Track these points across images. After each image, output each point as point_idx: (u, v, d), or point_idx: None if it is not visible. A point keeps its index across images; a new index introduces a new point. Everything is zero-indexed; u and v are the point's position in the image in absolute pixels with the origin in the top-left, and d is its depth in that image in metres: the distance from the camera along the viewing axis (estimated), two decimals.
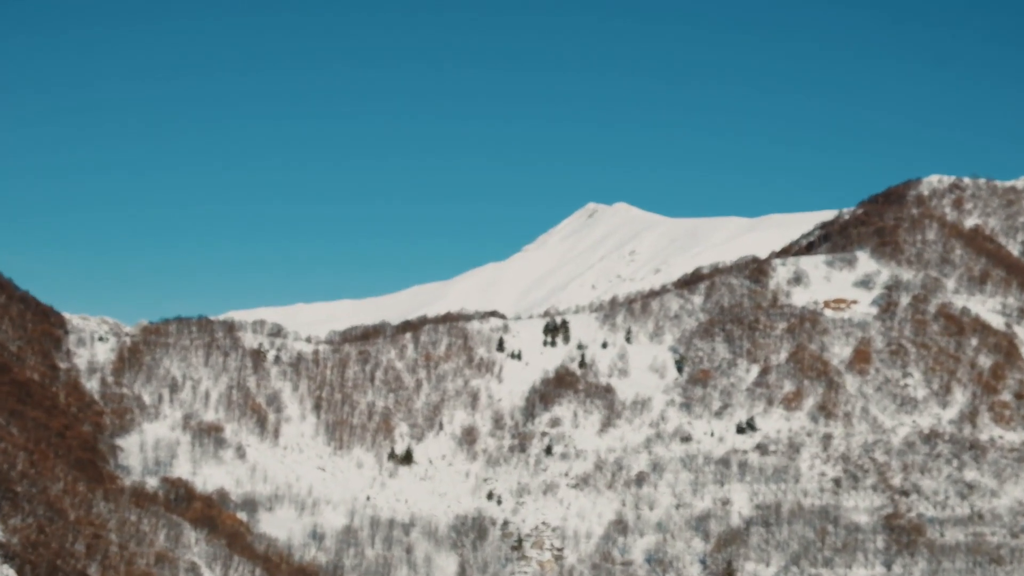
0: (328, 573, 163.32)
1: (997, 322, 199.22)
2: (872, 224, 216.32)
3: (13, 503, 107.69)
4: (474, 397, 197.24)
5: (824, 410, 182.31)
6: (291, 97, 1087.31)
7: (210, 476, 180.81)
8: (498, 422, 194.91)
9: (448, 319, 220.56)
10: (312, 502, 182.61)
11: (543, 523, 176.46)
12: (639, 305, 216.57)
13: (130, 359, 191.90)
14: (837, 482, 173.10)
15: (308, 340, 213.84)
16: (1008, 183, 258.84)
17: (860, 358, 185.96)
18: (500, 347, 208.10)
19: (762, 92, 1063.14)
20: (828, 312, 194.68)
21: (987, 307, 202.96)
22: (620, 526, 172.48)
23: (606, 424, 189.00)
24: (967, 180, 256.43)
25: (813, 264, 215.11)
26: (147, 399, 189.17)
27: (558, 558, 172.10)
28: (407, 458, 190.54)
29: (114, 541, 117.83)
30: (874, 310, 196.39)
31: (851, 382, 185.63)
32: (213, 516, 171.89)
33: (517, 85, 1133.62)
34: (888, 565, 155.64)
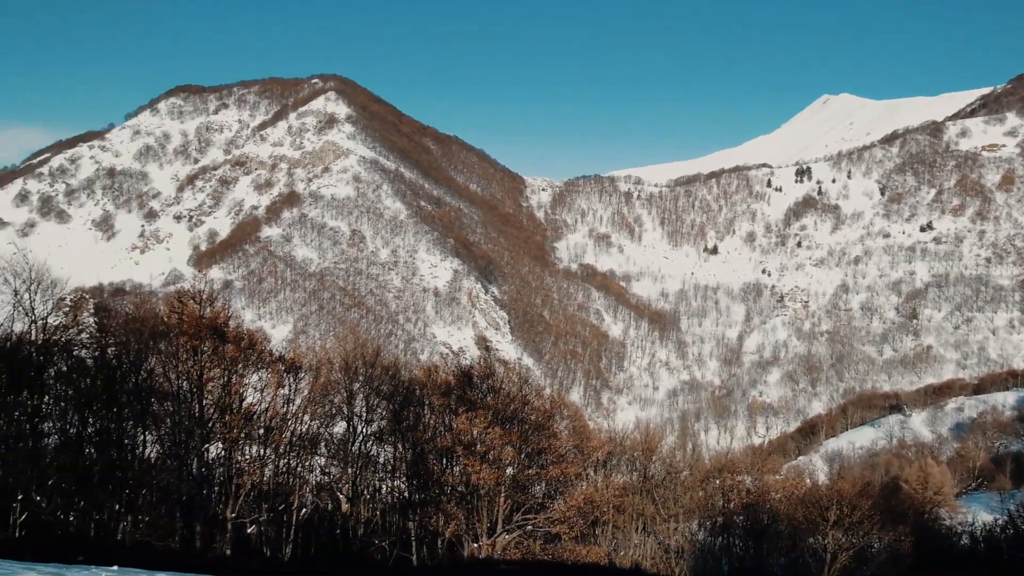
0: (670, 315, 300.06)
1: None
2: (1017, 94, 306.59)
3: (503, 278, 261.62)
4: (753, 214, 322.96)
5: (980, 215, 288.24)
6: None
7: (604, 262, 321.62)
8: (768, 228, 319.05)
9: (737, 169, 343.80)
10: (660, 276, 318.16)
11: (796, 286, 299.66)
12: (856, 154, 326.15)
13: (559, 199, 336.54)
14: (988, 260, 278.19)
15: (656, 185, 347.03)
16: None
17: (1006, 181, 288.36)
18: (768, 184, 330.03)
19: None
20: (984, 153, 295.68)
21: None
22: (843, 288, 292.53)
23: (834, 228, 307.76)
24: None
25: (974, 123, 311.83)
26: (569, 221, 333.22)
27: (805, 306, 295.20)
28: (714, 251, 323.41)
29: (555, 297, 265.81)
30: (1017, 150, 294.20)
31: (999, 197, 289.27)
32: (607, 284, 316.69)
33: None
34: (1022, 311, 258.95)
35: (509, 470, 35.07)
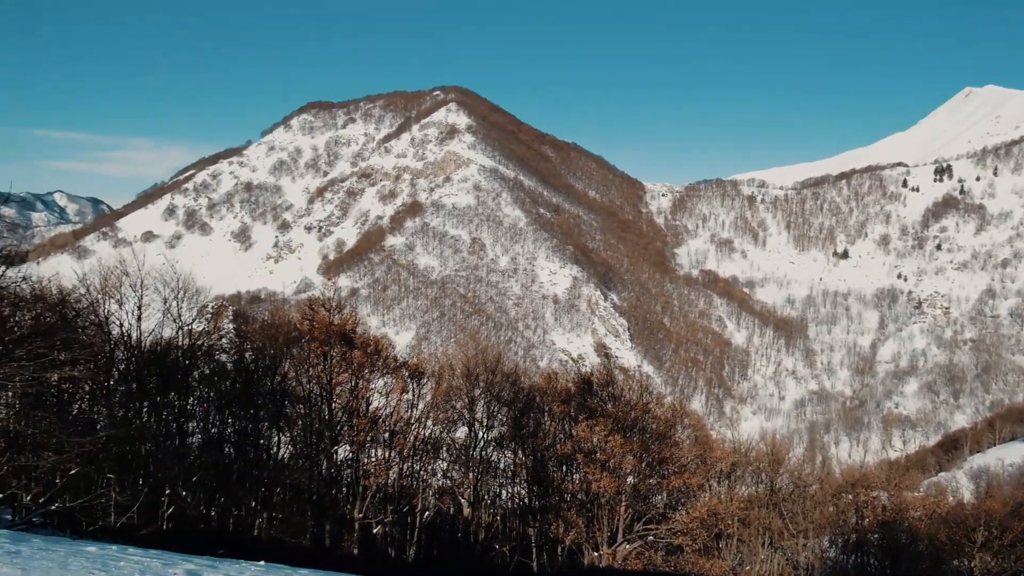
0: (797, 322, 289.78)
1: None
2: None
3: (622, 284, 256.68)
4: (887, 216, 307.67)
5: None
6: None
7: (726, 268, 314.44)
8: (903, 231, 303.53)
9: (869, 169, 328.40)
10: (786, 281, 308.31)
11: (935, 291, 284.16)
12: (1004, 150, 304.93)
13: (679, 204, 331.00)
14: None
15: (781, 188, 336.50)
16: None
17: None
18: (904, 184, 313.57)
19: None
20: None
21: None
22: (989, 293, 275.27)
23: (978, 229, 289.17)
24: None
25: None
26: (690, 226, 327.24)
27: (946, 312, 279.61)
28: (844, 255, 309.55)
29: (676, 304, 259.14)
30: None
31: None
32: (729, 290, 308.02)
33: None
34: None
35: (630, 479, 34.65)
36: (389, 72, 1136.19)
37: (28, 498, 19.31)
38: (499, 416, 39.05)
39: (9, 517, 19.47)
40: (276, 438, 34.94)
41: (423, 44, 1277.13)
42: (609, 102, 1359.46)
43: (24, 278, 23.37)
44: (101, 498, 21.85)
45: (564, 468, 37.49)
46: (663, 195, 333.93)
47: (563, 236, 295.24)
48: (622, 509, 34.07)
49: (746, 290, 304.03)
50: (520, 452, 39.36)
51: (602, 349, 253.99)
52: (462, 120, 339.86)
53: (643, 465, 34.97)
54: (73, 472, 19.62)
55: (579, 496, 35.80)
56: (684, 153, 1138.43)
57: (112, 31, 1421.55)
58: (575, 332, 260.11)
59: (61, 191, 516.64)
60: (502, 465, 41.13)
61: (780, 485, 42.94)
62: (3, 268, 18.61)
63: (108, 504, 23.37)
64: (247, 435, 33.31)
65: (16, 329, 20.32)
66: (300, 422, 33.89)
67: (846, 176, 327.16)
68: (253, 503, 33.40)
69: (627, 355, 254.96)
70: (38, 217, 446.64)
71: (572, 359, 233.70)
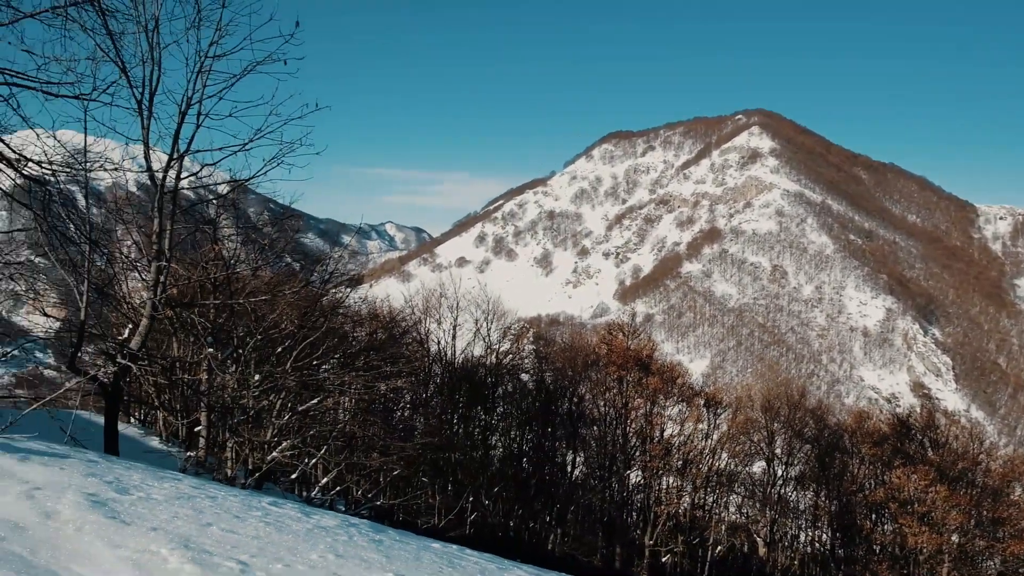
0: None
1: None
2: None
3: (946, 318, 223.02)
4: None
5: None
6: None
7: None
8: None
9: None
10: None
11: None
12: None
13: (1022, 229, 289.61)
14: None
15: None
16: None
17: None
18: None
19: None
20: None
21: None
22: None
23: None
24: None
25: None
26: None
27: None
28: None
29: (1015, 343, 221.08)
30: None
31: None
32: None
33: None
34: None
35: (955, 537, 30.78)
36: (688, 98, 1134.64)
37: (359, 492, 21.81)
38: (800, 453, 36.85)
39: (342, 508, 22.16)
40: (571, 457, 36.04)
41: (724, 68, 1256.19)
42: (934, 117, 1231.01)
43: (363, 299, 26.69)
44: (419, 498, 24.07)
45: (874, 516, 34.35)
46: (1001, 218, 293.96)
47: (876, 264, 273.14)
48: (944, 571, 30.32)
49: None
50: (823, 494, 36.76)
51: (920, 389, 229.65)
52: (765, 143, 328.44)
53: (972, 524, 30.88)
54: (395, 473, 21.84)
55: (891, 549, 32.49)
56: None
57: (430, 83, 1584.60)
58: (887, 368, 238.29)
59: (391, 222, 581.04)
60: (802, 506, 38.69)
61: None
62: (348, 291, 21.39)
63: (421, 504, 25.68)
64: (544, 452, 34.75)
65: (355, 343, 23.22)
66: (594, 444, 34.64)
67: None
68: (548, 518, 34.70)
69: (951, 397, 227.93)
70: (372, 245, 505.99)
71: (883, 398, 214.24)
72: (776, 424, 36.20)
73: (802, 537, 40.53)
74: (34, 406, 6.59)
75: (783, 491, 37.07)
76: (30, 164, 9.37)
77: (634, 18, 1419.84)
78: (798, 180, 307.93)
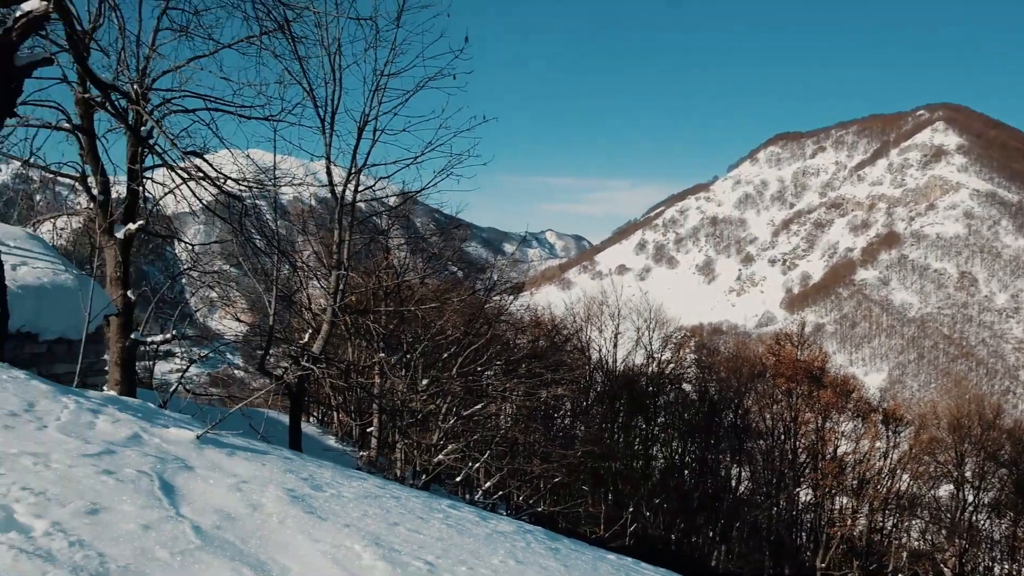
0: None
1: None
2: None
3: None
4: None
5: None
6: None
7: None
8: None
9: None
10: None
11: None
12: None
13: None
14: None
15: None
16: None
17: None
18: None
19: None
20: None
21: None
22: None
23: None
24: None
25: None
26: None
27: None
28: None
29: None
30: None
31: None
32: None
33: None
34: None
35: None
36: (861, 96, 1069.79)
37: (520, 498, 22.14)
38: (994, 478, 33.76)
39: (504, 512, 22.60)
40: (736, 471, 34.90)
41: (903, 62, 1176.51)
42: None
43: (525, 307, 27.13)
44: (579, 506, 24.12)
45: None
46: None
47: None
48: None
49: None
50: (1022, 523, 33.49)
51: None
52: (951, 140, 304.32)
53: None
54: (556, 480, 22.00)
55: None
56: None
57: (591, 90, 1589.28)
58: None
59: (551, 229, 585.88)
60: (997, 535, 35.40)
61: None
62: (511, 298, 21.82)
63: (581, 513, 25.70)
64: (707, 465, 33.85)
65: (517, 350, 23.64)
66: (760, 458, 33.37)
67: None
68: (711, 533, 33.74)
69: None
70: (533, 253, 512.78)
71: None
72: (966, 445, 33.38)
73: (996, 570, 37.13)
74: (238, 405, 7.21)
75: (974, 518, 34.11)
76: (228, 181, 10.22)
77: (795, 23, 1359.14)
78: (990, 179, 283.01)
